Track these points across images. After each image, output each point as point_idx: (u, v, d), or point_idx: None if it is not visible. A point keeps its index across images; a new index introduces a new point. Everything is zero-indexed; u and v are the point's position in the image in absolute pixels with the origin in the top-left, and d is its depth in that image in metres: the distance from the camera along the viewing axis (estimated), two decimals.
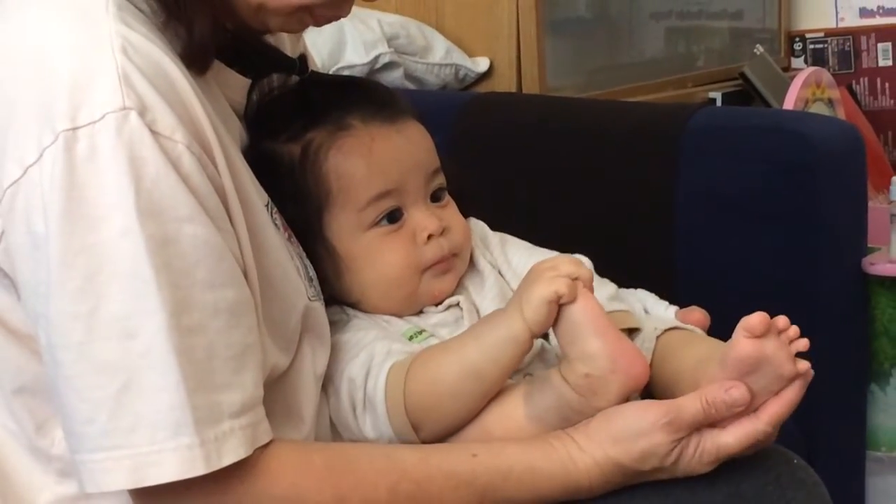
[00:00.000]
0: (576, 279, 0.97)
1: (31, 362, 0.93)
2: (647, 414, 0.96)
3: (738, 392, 0.95)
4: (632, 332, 1.09)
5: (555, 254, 1.17)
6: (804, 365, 0.96)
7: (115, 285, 0.85)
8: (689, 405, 0.95)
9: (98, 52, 0.87)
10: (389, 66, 1.93)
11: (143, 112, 0.86)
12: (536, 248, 1.18)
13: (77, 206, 0.85)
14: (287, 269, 1.00)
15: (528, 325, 0.98)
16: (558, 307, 0.97)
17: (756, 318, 0.94)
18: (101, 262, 0.85)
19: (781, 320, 0.95)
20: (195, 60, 0.94)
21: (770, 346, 0.94)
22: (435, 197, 1.12)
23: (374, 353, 1.05)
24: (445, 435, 1.02)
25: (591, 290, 0.99)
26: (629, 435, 0.96)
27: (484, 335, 1.00)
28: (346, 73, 1.88)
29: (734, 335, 0.96)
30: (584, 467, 0.97)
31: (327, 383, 1.06)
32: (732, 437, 0.96)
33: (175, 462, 0.86)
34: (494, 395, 1.02)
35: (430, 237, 1.09)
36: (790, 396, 0.97)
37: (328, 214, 1.08)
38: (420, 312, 1.11)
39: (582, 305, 0.97)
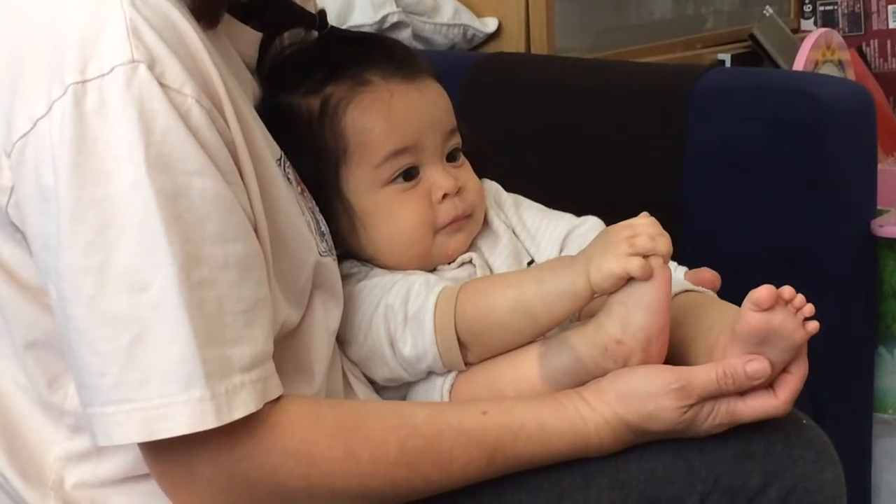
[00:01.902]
0: (651, 255, 0.95)
1: (43, 316, 0.92)
2: (657, 378, 0.96)
3: (758, 364, 0.95)
4: None
5: (567, 216, 1.17)
6: (814, 326, 0.96)
7: (126, 238, 0.85)
8: (703, 375, 0.96)
9: (106, 5, 0.86)
10: (397, 25, 1.92)
11: (151, 65, 0.86)
12: (550, 210, 1.18)
13: (86, 159, 0.85)
14: (298, 223, 1.00)
15: (593, 286, 0.97)
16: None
17: (763, 292, 0.94)
18: (112, 216, 0.85)
19: (787, 291, 0.95)
20: (204, 15, 0.93)
21: (778, 317, 0.94)
22: (451, 157, 1.12)
23: (412, 282, 1.05)
24: (490, 357, 1.03)
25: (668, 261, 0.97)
26: (638, 396, 0.96)
27: (546, 281, 1.00)
28: None
29: (742, 308, 0.96)
30: (594, 425, 0.97)
31: (350, 331, 1.06)
32: (749, 409, 0.97)
33: (186, 415, 0.86)
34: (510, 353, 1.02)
35: (444, 196, 1.09)
36: (803, 370, 0.97)
37: (345, 169, 1.08)
38: (433, 270, 1.11)
39: (653, 285, 0.96)
